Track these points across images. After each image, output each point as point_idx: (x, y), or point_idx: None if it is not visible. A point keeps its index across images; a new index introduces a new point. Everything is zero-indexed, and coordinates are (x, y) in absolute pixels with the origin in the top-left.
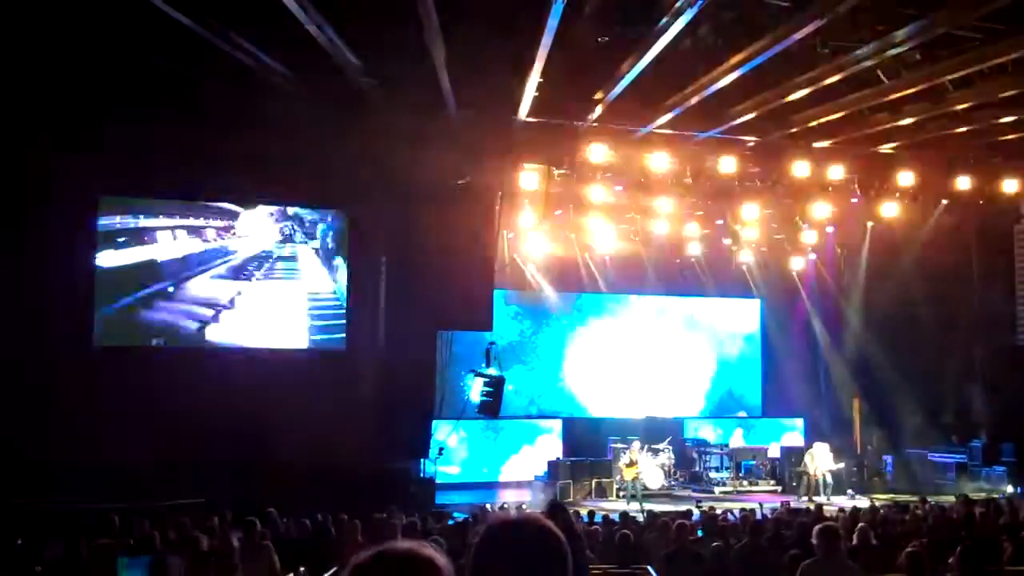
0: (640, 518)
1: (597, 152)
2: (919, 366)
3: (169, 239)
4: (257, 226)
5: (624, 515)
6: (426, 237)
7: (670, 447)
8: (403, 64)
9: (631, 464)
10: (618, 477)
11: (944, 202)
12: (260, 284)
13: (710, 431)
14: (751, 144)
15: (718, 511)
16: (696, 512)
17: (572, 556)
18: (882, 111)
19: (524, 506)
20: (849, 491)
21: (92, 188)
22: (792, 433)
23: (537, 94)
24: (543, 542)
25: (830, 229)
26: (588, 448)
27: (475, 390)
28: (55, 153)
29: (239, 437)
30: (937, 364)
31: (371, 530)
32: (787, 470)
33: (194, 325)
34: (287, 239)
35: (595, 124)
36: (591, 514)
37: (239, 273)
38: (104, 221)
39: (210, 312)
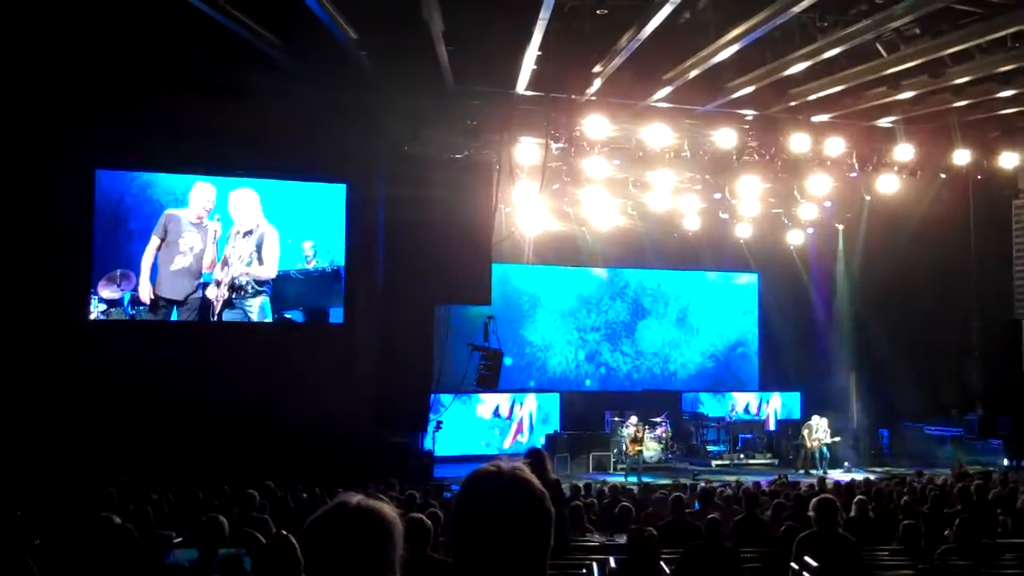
0: (636, 491)
1: (595, 125)
2: (916, 339)
3: (166, 213)
4: (253, 200)
5: (615, 488)
6: (424, 210)
7: (667, 420)
8: (401, 37)
9: (635, 441)
10: (615, 451)
11: (942, 176)
12: (257, 257)
13: (707, 404)
14: (750, 118)
15: (715, 484)
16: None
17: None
18: (881, 85)
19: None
20: (846, 464)
21: (88, 162)
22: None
23: (535, 67)
24: (523, 494)
25: (828, 203)
26: (586, 421)
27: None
28: (53, 127)
29: (238, 410)
30: (934, 337)
31: None
32: (784, 443)
33: (192, 299)
34: (283, 213)
35: (593, 97)
36: (587, 487)
37: (235, 246)
38: (101, 196)
39: (208, 285)
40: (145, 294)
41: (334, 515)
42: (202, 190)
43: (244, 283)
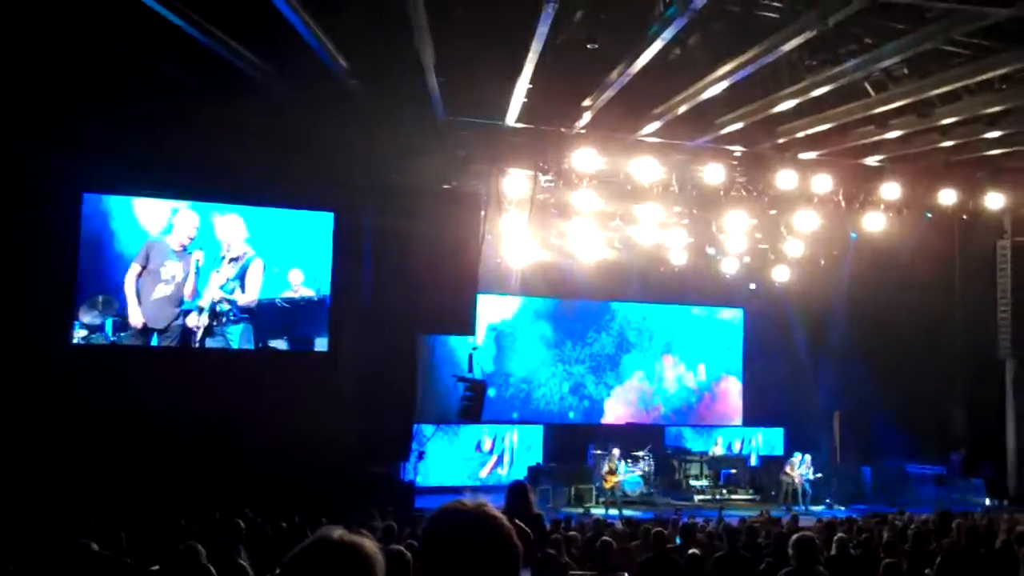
0: (619, 525)
1: (584, 159)
2: (900, 378)
3: (149, 241)
4: (239, 226)
5: (597, 521)
6: (411, 240)
7: (650, 454)
8: (392, 68)
9: (611, 472)
10: (599, 484)
11: (928, 215)
12: (241, 284)
13: (690, 439)
14: (738, 154)
15: (697, 519)
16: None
17: (530, 536)
18: (868, 124)
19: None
20: (827, 501)
21: (76, 186)
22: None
23: (525, 100)
24: (488, 530)
25: (814, 240)
26: (569, 454)
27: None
28: (40, 150)
29: (219, 437)
30: (918, 377)
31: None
32: (766, 479)
33: (175, 324)
34: (268, 240)
35: (583, 131)
36: (568, 520)
37: (220, 272)
38: (86, 219)
39: (191, 311)
40: (136, 319)
41: (316, 550)
42: (186, 218)
43: (225, 310)
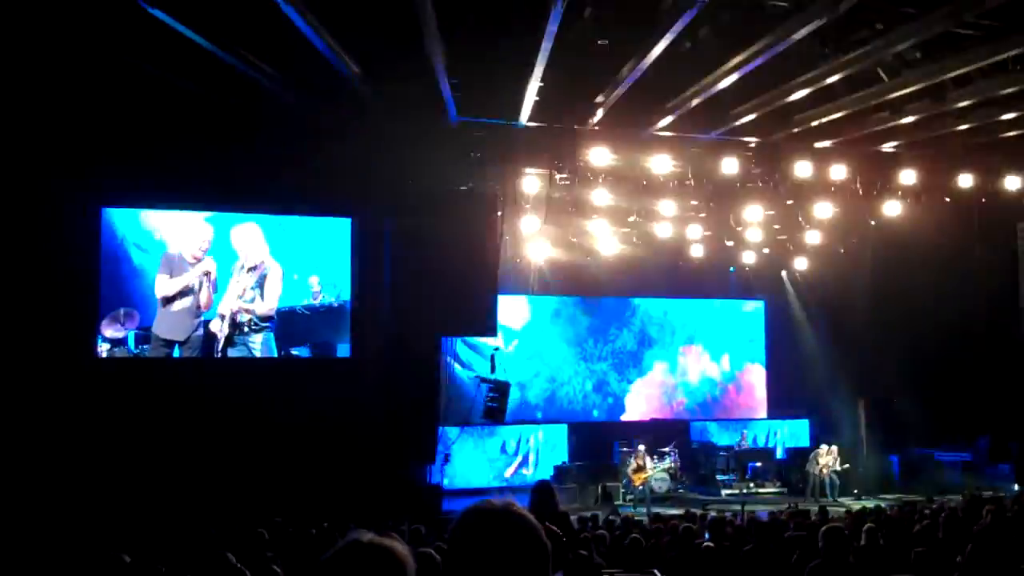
0: (646, 522)
1: (598, 155)
2: (923, 365)
3: (167, 253)
4: (257, 235)
5: (627, 520)
6: (429, 243)
7: (676, 450)
8: (403, 71)
9: (639, 469)
10: (626, 481)
11: (947, 200)
12: (260, 293)
13: (716, 433)
14: (752, 145)
15: (726, 514)
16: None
17: (561, 537)
18: (883, 110)
19: None
20: (855, 491)
21: (94, 201)
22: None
23: (537, 98)
24: (516, 530)
25: (833, 229)
26: (594, 452)
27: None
28: (57, 165)
29: (244, 446)
30: (941, 363)
31: None
32: (793, 471)
33: (195, 335)
34: (286, 248)
35: (596, 127)
36: (594, 518)
37: (239, 281)
38: (108, 233)
39: (210, 321)
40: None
41: (348, 553)
42: (199, 229)
43: (245, 320)
